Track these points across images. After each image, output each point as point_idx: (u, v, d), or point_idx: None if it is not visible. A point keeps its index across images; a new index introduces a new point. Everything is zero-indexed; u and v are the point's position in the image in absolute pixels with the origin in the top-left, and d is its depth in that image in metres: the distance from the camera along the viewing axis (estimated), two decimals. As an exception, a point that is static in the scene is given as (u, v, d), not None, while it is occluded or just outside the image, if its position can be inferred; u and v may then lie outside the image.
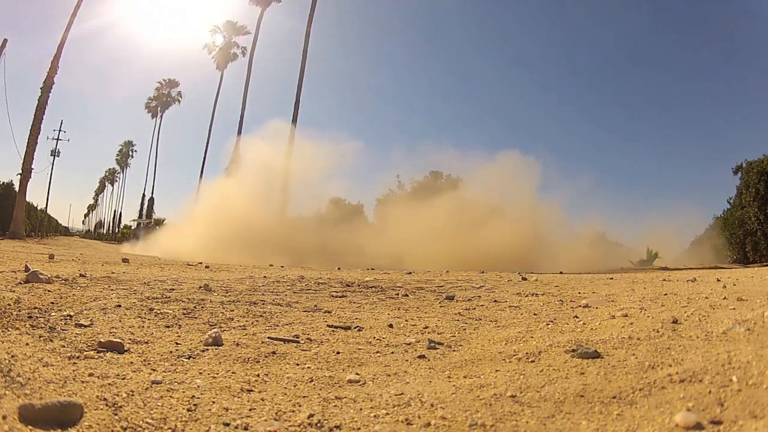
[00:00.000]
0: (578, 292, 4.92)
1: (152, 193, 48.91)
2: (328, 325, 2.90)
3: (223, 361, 1.99)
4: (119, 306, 3.05)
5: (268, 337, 2.48)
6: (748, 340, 1.96)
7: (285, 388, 1.69)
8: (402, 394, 1.61)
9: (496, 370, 1.88)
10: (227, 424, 1.34)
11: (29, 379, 1.49)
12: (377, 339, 2.56)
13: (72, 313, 2.66)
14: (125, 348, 2.09)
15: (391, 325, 2.98)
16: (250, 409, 1.45)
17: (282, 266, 10.78)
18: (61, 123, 44.30)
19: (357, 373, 1.88)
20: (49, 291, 3.32)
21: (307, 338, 2.52)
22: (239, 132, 37.21)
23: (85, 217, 69.40)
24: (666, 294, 4.13)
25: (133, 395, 1.49)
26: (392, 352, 2.28)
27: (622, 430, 1.28)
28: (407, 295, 4.69)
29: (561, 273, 11.47)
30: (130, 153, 55.59)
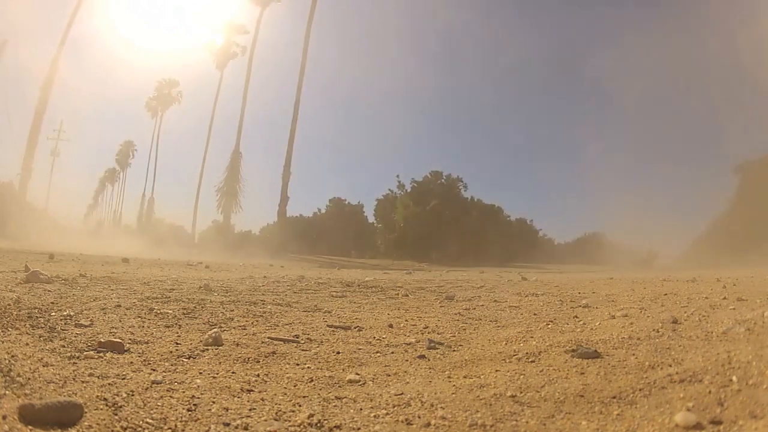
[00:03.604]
0: (578, 292, 4.92)
1: (152, 193, 48.80)
2: (328, 325, 2.90)
3: (223, 361, 1.99)
4: (119, 306, 3.05)
5: (268, 337, 2.48)
6: (748, 340, 1.96)
7: (285, 388, 1.69)
8: (402, 394, 1.61)
9: (496, 370, 1.88)
10: (227, 424, 1.33)
11: (29, 379, 1.49)
12: (377, 339, 2.56)
13: (72, 313, 2.66)
14: (125, 348, 2.09)
15: (391, 325, 2.98)
16: (250, 409, 1.45)
17: (282, 266, 10.78)
18: (61, 123, 44.26)
19: (357, 373, 1.88)
20: (49, 291, 3.32)
21: (307, 338, 2.52)
22: (239, 131, 37.31)
23: (84, 217, 69.23)
24: (666, 294, 4.13)
25: (133, 395, 1.49)
26: (392, 352, 2.28)
27: (622, 430, 1.28)
28: (407, 295, 4.69)
29: (561, 273, 11.48)
30: (130, 153, 55.44)
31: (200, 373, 1.80)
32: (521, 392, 1.58)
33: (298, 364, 2.01)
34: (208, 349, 2.16)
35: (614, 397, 1.49)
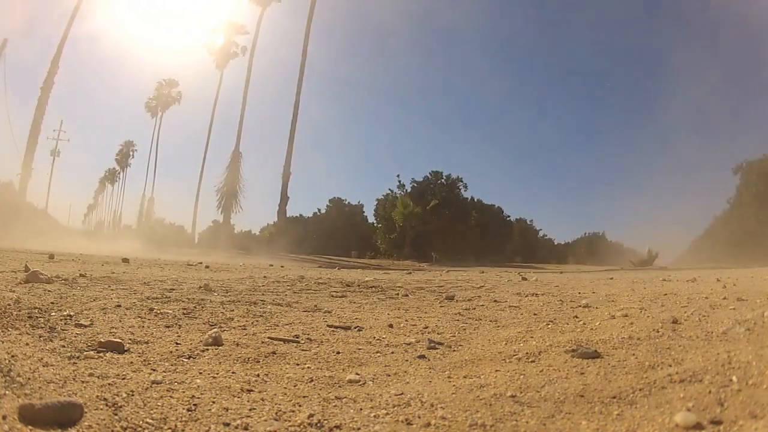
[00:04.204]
0: (578, 292, 4.92)
1: (152, 193, 48.85)
2: (328, 325, 2.90)
3: (223, 361, 1.99)
4: (119, 306, 3.05)
5: (268, 337, 2.48)
6: (748, 340, 1.96)
7: (285, 388, 1.69)
8: (402, 394, 1.61)
9: (496, 370, 1.88)
10: (227, 424, 1.33)
11: (29, 379, 1.49)
12: (377, 339, 2.56)
13: (72, 313, 2.66)
14: (125, 348, 2.09)
15: (391, 325, 2.98)
16: (250, 409, 1.45)
17: (282, 266, 10.78)
18: (61, 123, 44.35)
19: (357, 373, 1.88)
20: (49, 291, 3.32)
21: (307, 338, 2.52)
22: (239, 131, 37.33)
23: (84, 217, 69.41)
24: (666, 294, 4.12)
25: (133, 395, 1.49)
26: (392, 352, 2.28)
27: (622, 430, 1.28)
28: (407, 295, 4.69)
29: (561, 273, 11.48)
30: (130, 153, 55.53)
31: (200, 373, 1.80)
32: (521, 392, 1.58)
33: (298, 364, 2.01)
34: (208, 349, 2.16)
35: (614, 397, 1.49)
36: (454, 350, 2.35)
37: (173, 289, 4.06)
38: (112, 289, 3.80)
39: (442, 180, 36.84)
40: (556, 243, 40.56)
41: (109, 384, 1.57)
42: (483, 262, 26.64)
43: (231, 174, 37.37)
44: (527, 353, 2.09)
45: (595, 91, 51.33)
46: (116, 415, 1.34)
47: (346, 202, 42.02)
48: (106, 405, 1.40)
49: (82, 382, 1.58)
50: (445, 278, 7.33)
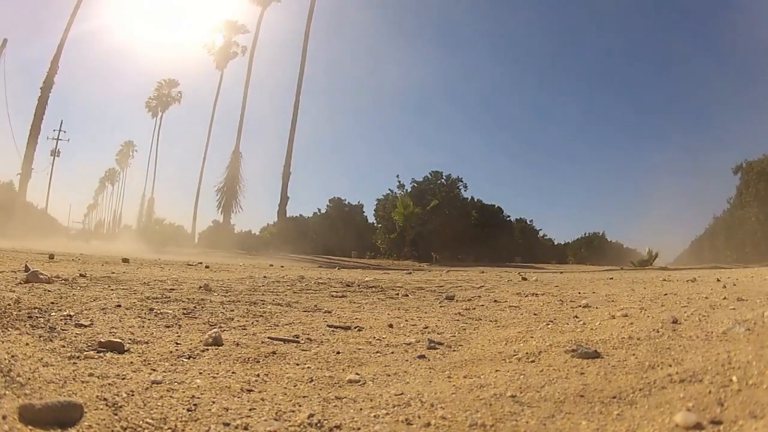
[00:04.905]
0: (578, 292, 4.92)
1: (152, 193, 48.88)
2: (328, 325, 2.90)
3: (223, 361, 1.99)
4: (119, 306, 3.05)
5: (268, 337, 2.48)
6: (748, 340, 1.96)
7: (285, 388, 1.69)
8: (402, 394, 1.61)
9: (496, 370, 1.88)
10: (227, 424, 1.33)
11: (29, 379, 1.49)
12: (377, 339, 2.56)
13: (72, 313, 2.66)
14: (125, 348, 2.09)
15: (391, 325, 2.98)
16: (250, 409, 1.45)
17: (282, 266, 10.78)
18: (61, 123, 44.40)
19: (357, 373, 1.88)
20: (49, 291, 3.32)
21: (307, 338, 2.52)
22: (239, 131, 37.35)
23: (84, 217, 69.52)
24: (666, 294, 4.13)
25: (133, 395, 1.49)
26: (392, 352, 2.28)
27: (622, 430, 1.28)
28: (407, 295, 4.69)
29: (561, 273, 11.48)
30: (130, 153, 55.61)
31: (200, 373, 1.80)
32: (521, 392, 1.58)
33: (298, 364, 2.01)
34: (208, 349, 2.16)
35: (614, 397, 1.49)
36: (454, 350, 2.35)
37: (173, 289, 4.06)
38: (112, 289, 3.80)
39: (442, 180, 36.79)
40: (556, 243, 40.41)
41: (109, 384, 1.57)
42: (483, 262, 26.64)
43: (231, 174, 37.37)
44: (527, 353, 2.09)
45: (595, 91, 51.31)
46: (116, 415, 1.34)
47: (346, 202, 41.94)
48: (106, 405, 1.40)
49: (82, 382, 1.58)
50: (445, 278, 7.33)
